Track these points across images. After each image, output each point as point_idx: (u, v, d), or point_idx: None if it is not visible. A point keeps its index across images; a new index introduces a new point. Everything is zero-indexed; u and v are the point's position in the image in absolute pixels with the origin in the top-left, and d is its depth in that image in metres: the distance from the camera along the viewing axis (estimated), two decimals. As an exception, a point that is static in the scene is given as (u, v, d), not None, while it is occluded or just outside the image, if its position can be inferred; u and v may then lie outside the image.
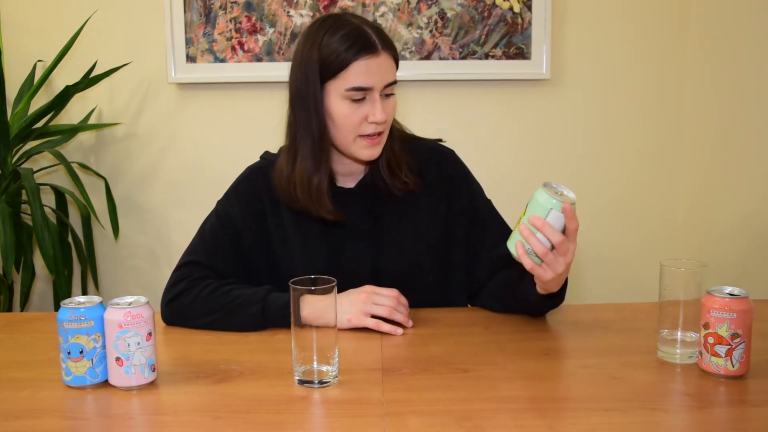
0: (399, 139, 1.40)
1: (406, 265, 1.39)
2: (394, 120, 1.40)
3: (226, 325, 1.28)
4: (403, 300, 1.30)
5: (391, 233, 1.40)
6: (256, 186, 1.41)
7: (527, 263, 1.13)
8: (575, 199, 1.11)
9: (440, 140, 1.49)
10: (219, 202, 1.43)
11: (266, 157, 1.46)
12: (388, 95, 1.31)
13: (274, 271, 1.39)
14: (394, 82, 1.31)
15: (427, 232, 1.41)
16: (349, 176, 1.41)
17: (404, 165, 1.39)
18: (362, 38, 1.26)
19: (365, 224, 1.39)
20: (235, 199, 1.41)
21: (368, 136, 1.30)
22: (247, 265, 1.39)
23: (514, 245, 1.14)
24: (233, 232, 1.38)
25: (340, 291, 1.30)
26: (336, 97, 1.28)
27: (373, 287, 1.29)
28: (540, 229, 1.10)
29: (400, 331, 1.25)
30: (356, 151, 1.32)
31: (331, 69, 1.27)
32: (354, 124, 1.29)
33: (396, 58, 1.32)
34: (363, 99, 1.28)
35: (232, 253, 1.38)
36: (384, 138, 1.34)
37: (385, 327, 1.25)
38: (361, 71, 1.26)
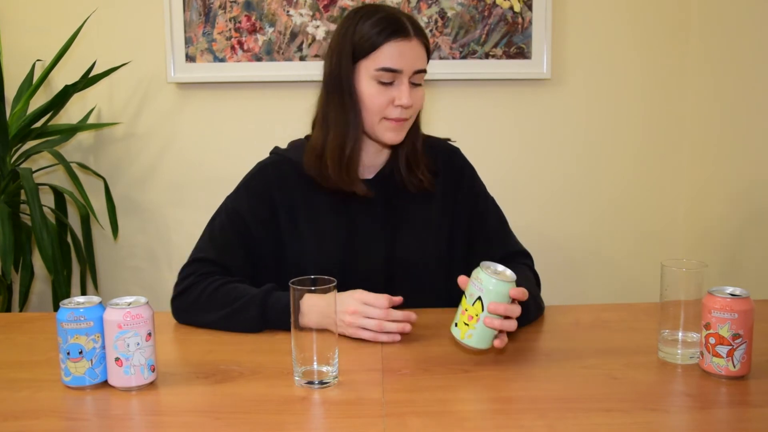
0: (422, 136, 1.44)
1: (418, 256, 1.42)
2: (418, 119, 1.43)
3: (226, 326, 1.28)
4: (394, 310, 1.24)
5: (404, 225, 1.42)
6: (267, 181, 1.42)
7: (498, 344, 1.12)
8: (514, 276, 1.11)
9: (448, 139, 1.53)
10: (228, 198, 1.44)
11: (276, 152, 1.48)
12: (416, 84, 1.34)
13: (285, 265, 1.40)
14: (424, 71, 1.34)
15: (438, 225, 1.44)
16: (369, 167, 1.44)
17: (422, 164, 1.42)
18: (396, 23, 1.31)
19: (380, 215, 1.41)
20: (245, 195, 1.42)
21: (393, 119, 1.33)
22: (255, 261, 1.39)
23: (485, 341, 1.10)
24: (243, 229, 1.39)
25: (353, 281, 1.31)
26: (366, 77, 1.32)
27: (363, 295, 1.23)
28: (504, 313, 1.09)
29: (398, 337, 1.22)
30: (380, 133, 1.35)
31: (364, 49, 1.31)
32: (380, 106, 1.32)
33: (427, 48, 1.35)
34: (391, 82, 1.31)
35: (241, 250, 1.38)
36: (408, 125, 1.36)
37: (383, 337, 1.21)
38: (392, 53, 1.30)
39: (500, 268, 1.12)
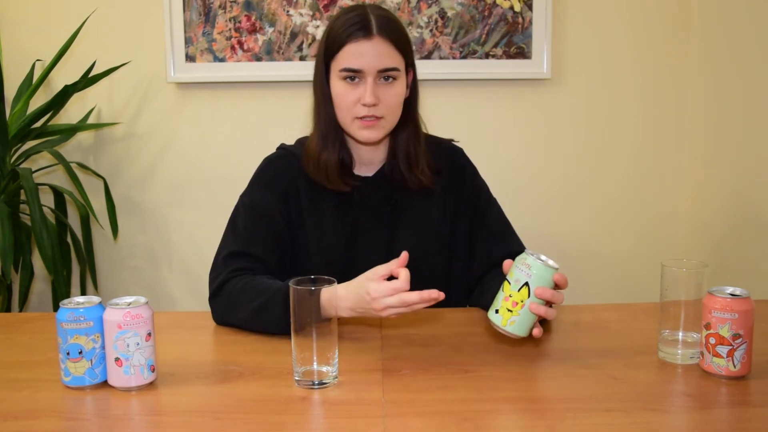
0: (423, 136, 1.44)
1: (418, 253, 1.40)
2: (419, 117, 1.43)
3: (255, 324, 1.26)
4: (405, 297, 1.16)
5: (405, 222, 1.43)
6: (277, 173, 1.43)
7: (537, 333, 1.12)
8: (557, 264, 1.11)
9: (452, 140, 1.53)
10: (242, 196, 1.44)
11: (283, 147, 1.49)
12: (388, 80, 1.33)
13: (294, 257, 1.40)
14: (394, 69, 1.32)
15: (438, 224, 1.44)
16: (368, 165, 1.44)
17: (423, 162, 1.42)
18: (358, 22, 1.31)
19: (381, 211, 1.42)
20: (258, 188, 1.42)
21: (362, 118, 1.33)
22: (280, 251, 1.39)
23: (525, 329, 1.10)
24: (264, 219, 1.39)
25: (354, 277, 1.31)
26: (335, 77, 1.34)
27: (370, 291, 1.15)
28: (551, 299, 1.09)
29: (434, 294, 1.11)
30: (354, 131, 1.36)
31: (331, 50, 1.33)
32: (348, 105, 1.33)
33: (400, 48, 1.33)
34: (358, 81, 1.32)
35: (267, 240, 1.37)
36: (384, 123, 1.35)
37: (416, 306, 1.13)
38: (352, 53, 1.31)
39: (543, 256, 1.10)
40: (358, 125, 1.34)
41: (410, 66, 1.39)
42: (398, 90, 1.35)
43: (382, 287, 1.13)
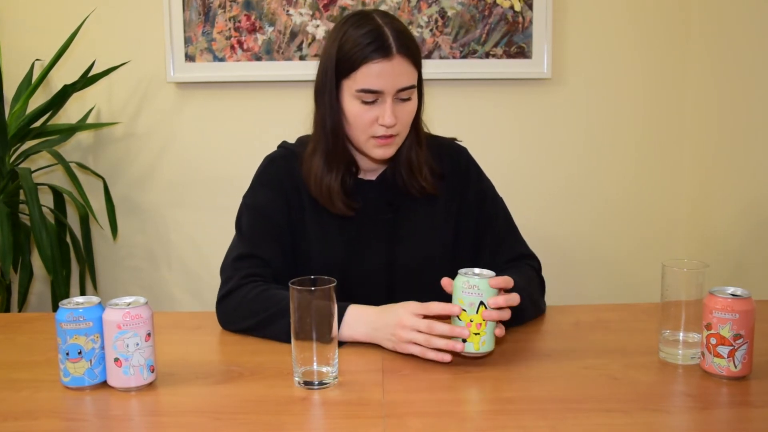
0: (425, 140, 1.41)
1: (421, 258, 1.41)
2: (422, 121, 1.41)
3: (263, 332, 1.25)
4: (439, 322, 1.13)
5: (407, 227, 1.41)
6: (278, 173, 1.41)
7: (499, 333, 1.13)
8: (492, 272, 1.14)
9: (455, 139, 1.51)
10: (245, 197, 1.42)
11: (284, 146, 1.47)
12: (404, 99, 1.30)
13: (295, 258, 1.40)
14: (411, 87, 1.30)
15: (442, 227, 1.43)
16: (370, 170, 1.43)
17: (425, 168, 1.40)
18: (378, 40, 1.25)
19: (383, 216, 1.40)
20: (261, 189, 1.41)
21: (380, 137, 1.31)
22: (284, 252, 1.38)
23: (493, 342, 1.12)
24: (268, 221, 1.38)
25: (355, 283, 1.30)
26: (348, 96, 1.29)
27: (414, 306, 1.15)
28: (505, 304, 1.10)
29: (447, 357, 1.11)
30: (369, 150, 1.34)
31: (346, 67, 1.28)
32: (365, 125, 1.30)
33: (416, 63, 1.31)
34: (375, 101, 1.28)
35: (272, 241, 1.36)
36: (398, 140, 1.34)
37: (430, 354, 1.12)
38: (371, 74, 1.26)
39: (477, 270, 1.13)
40: (373, 144, 1.32)
41: (420, 77, 1.36)
42: (413, 107, 1.33)
43: (416, 319, 1.13)
